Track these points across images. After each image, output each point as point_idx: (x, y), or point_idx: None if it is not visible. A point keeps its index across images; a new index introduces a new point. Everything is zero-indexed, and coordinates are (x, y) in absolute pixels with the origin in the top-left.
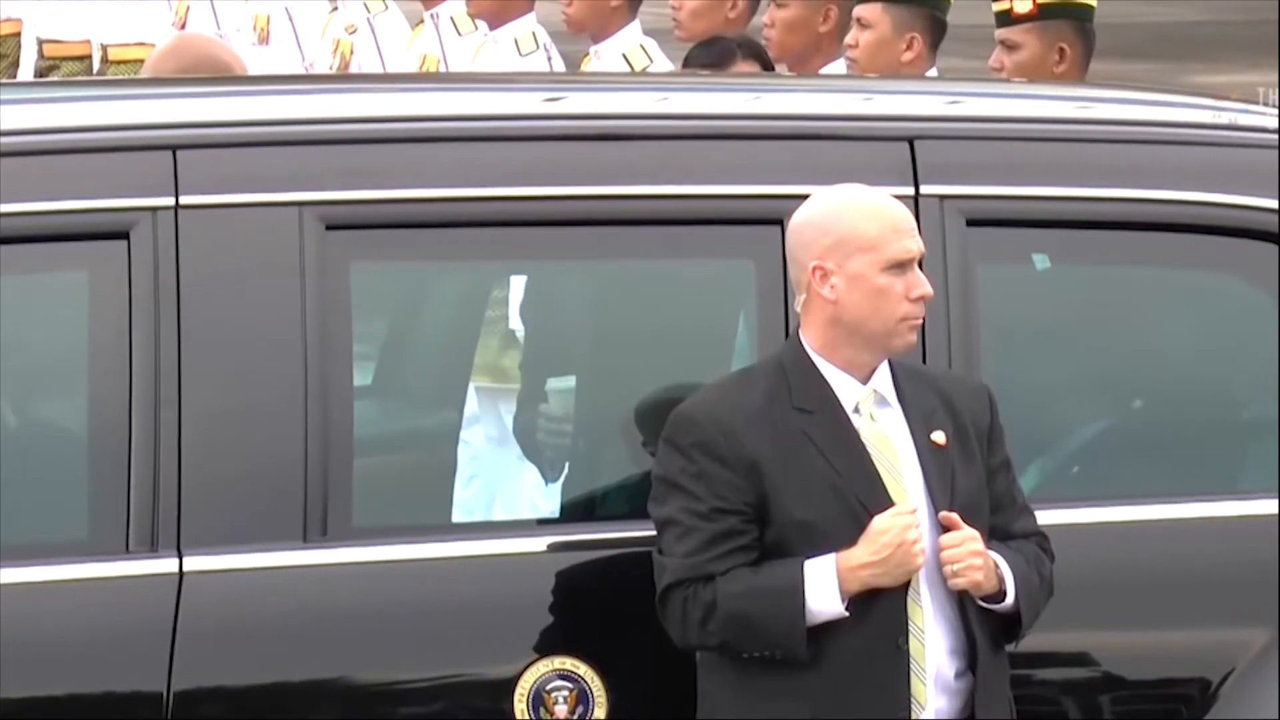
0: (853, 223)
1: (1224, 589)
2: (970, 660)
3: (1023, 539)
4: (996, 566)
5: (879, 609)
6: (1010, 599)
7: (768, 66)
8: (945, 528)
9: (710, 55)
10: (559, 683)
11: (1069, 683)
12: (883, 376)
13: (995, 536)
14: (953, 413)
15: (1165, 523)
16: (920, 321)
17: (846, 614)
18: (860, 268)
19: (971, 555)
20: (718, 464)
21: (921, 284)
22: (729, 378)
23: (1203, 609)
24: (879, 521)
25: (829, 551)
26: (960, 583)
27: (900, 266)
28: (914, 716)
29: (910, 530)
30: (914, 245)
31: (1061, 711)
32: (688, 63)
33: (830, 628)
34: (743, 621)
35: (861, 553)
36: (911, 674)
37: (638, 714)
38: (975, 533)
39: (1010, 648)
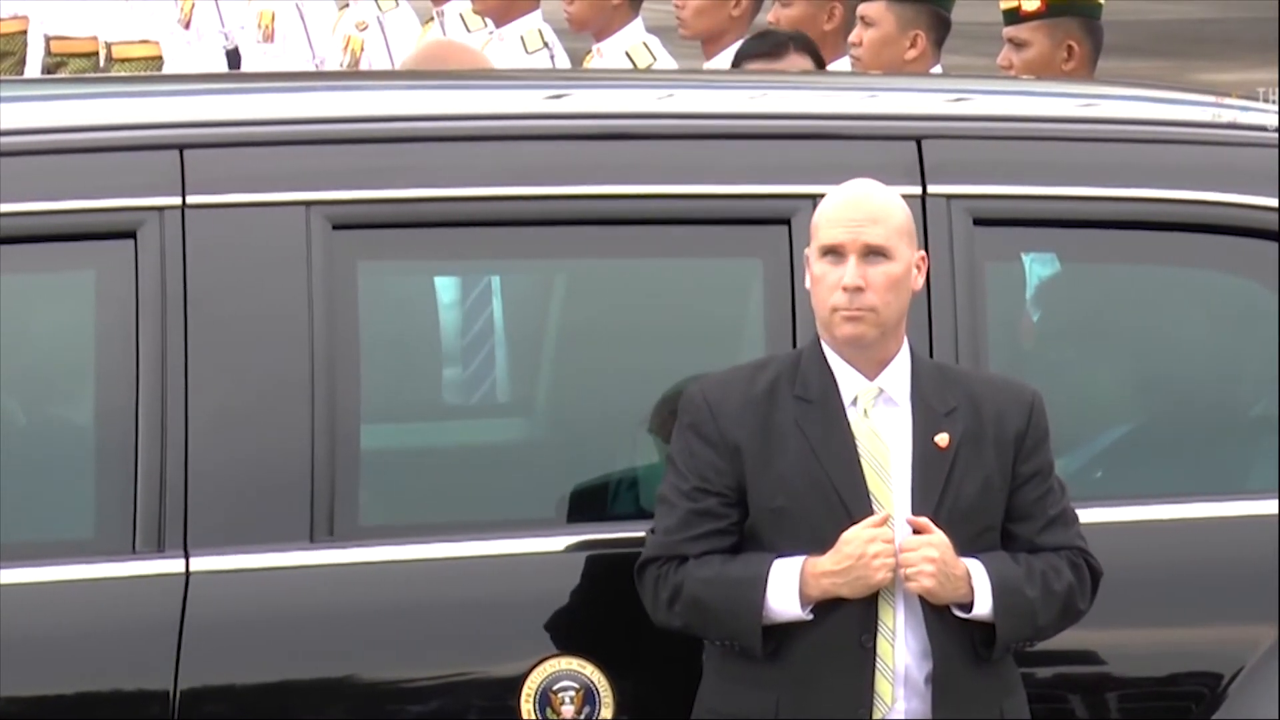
0: (816, 211)
1: (1231, 587)
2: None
3: (1050, 552)
4: (969, 575)
5: (845, 606)
6: (985, 609)
7: (819, 62)
8: (917, 531)
9: (764, 46)
10: (566, 682)
11: (1078, 681)
12: (896, 373)
13: (1019, 547)
14: (976, 416)
15: (1171, 521)
16: (855, 313)
17: (808, 617)
18: (810, 255)
19: (924, 561)
20: (704, 444)
21: (848, 274)
22: (747, 363)
23: (1211, 607)
24: (848, 532)
25: (800, 540)
26: (912, 587)
27: (833, 254)
28: (878, 715)
29: (874, 544)
30: (843, 234)
31: (1070, 710)
32: (741, 53)
33: (794, 621)
34: (703, 609)
35: (826, 561)
36: (877, 673)
37: (644, 714)
38: (940, 538)
39: (1020, 655)
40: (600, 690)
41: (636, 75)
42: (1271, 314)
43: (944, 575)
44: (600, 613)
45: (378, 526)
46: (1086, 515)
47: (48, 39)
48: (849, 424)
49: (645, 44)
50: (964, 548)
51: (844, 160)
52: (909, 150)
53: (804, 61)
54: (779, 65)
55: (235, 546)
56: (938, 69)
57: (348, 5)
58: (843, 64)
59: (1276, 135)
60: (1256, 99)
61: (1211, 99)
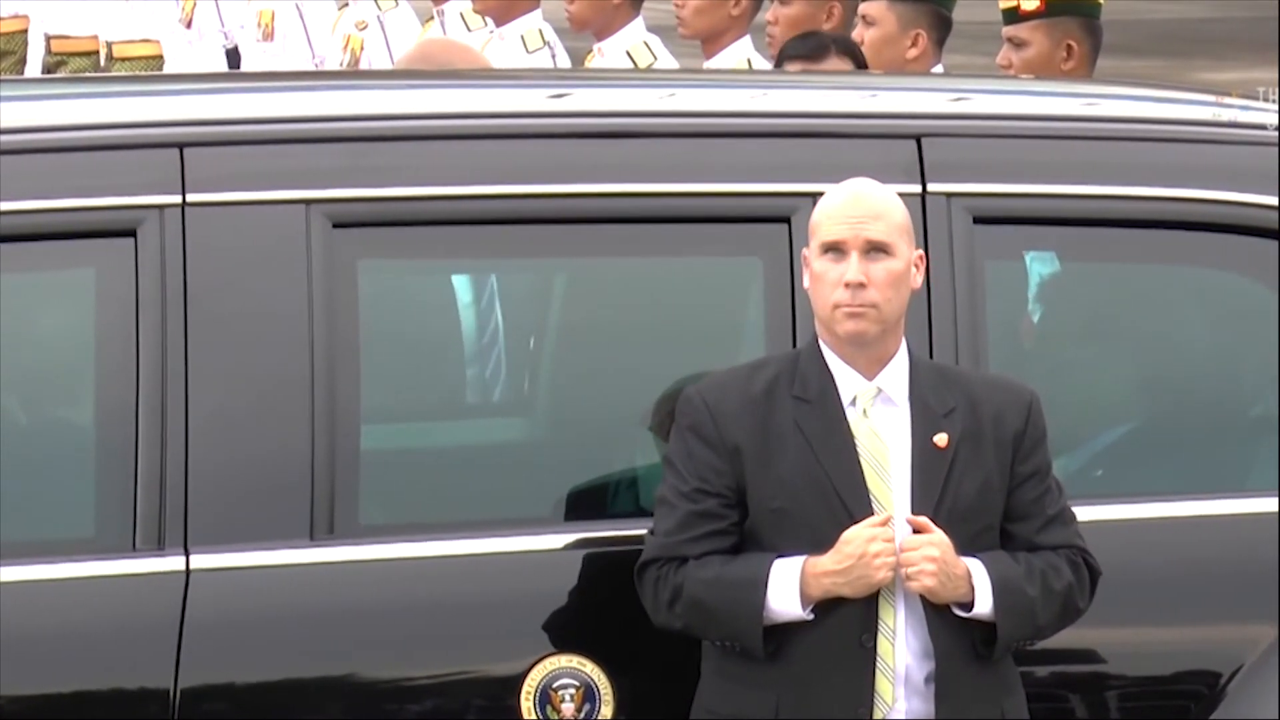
0: (815, 210)
1: (1231, 586)
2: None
3: (1049, 550)
4: (969, 575)
5: (846, 606)
6: (985, 608)
7: (861, 64)
8: (917, 530)
9: (805, 48)
10: (566, 680)
11: (1078, 680)
12: (894, 373)
13: (1017, 546)
14: (975, 416)
15: (1171, 520)
16: (857, 309)
17: (809, 617)
18: (810, 253)
19: (925, 560)
20: (704, 446)
21: (850, 270)
22: (745, 364)
23: (1211, 606)
24: (848, 532)
25: (800, 540)
26: (913, 586)
27: (834, 251)
28: (879, 715)
29: (874, 543)
30: (844, 231)
31: (1070, 709)
32: (782, 54)
33: (795, 621)
34: (704, 610)
35: (827, 560)
36: (877, 672)
37: (645, 712)
38: (940, 538)
39: (1020, 655)
40: (600, 688)
41: (637, 74)
42: (1271, 313)
43: (945, 574)
44: (600, 611)
45: (377, 525)
46: (1086, 514)
47: (48, 38)
48: (848, 424)
49: (646, 43)
50: (963, 547)
51: (844, 159)
52: (909, 149)
53: (845, 64)
54: (820, 67)
55: (235, 545)
56: (939, 68)
57: (347, 4)
58: (843, 62)
59: (1276, 134)
60: (1256, 99)
61: (1211, 98)
